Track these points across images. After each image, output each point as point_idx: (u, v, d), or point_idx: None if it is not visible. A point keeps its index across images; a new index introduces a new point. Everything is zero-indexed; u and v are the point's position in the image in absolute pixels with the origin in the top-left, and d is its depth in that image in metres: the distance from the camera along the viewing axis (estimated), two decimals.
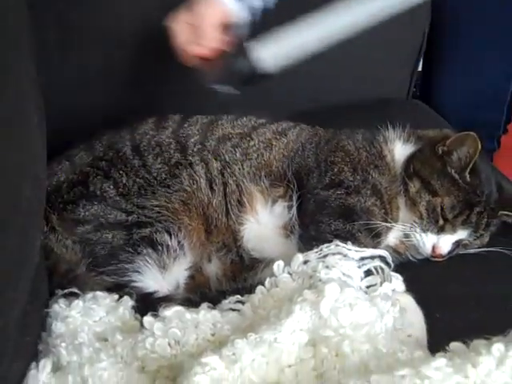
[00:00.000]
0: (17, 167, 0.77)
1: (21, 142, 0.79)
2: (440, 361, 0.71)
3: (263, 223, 1.09)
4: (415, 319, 0.87)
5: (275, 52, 1.10)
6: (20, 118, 0.80)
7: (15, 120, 0.78)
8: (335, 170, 1.08)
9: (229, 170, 1.10)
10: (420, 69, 1.73)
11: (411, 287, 0.91)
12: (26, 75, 0.85)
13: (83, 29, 1.29)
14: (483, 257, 1.05)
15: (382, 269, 0.91)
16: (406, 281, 0.91)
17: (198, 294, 1.03)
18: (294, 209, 1.07)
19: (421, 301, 0.89)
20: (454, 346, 0.75)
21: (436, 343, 0.75)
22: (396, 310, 0.85)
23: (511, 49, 1.60)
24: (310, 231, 1.04)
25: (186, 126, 1.15)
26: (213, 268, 1.08)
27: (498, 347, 0.70)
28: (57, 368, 0.83)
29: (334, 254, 0.92)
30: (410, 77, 1.65)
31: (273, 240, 1.09)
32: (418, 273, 1.03)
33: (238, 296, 0.91)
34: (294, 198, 1.08)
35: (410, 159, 1.10)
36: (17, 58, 0.82)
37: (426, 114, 1.58)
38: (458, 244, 1.07)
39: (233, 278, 1.07)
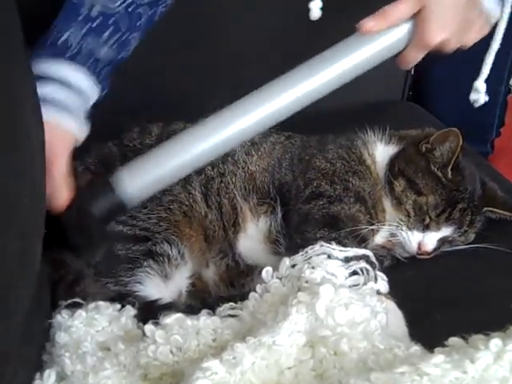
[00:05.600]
0: (14, 172, 0.71)
1: (19, 149, 0.73)
2: (439, 357, 0.65)
3: (251, 236, 1.04)
4: (395, 322, 0.82)
5: (141, 184, 0.91)
6: (18, 125, 0.74)
7: (10, 124, 0.71)
8: (314, 184, 1.03)
9: (222, 181, 1.04)
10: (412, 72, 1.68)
11: (409, 287, 0.87)
12: (27, 85, 0.78)
13: None
14: (480, 254, 1.00)
15: (367, 270, 0.86)
16: (403, 281, 0.87)
17: (199, 300, 0.98)
18: (277, 222, 1.02)
19: (419, 300, 0.85)
20: (453, 341, 0.70)
21: (435, 341, 0.71)
22: (382, 306, 0.81)
23: (503, 52, 1.56)
24: (295, 240, 0.99)
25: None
26: (210, 273, 1.02)
27: (495, 342, 0.65)
28: (61, 378, 0.78)
29: (318, 254, 0.87)
30: (404, 79, 1.57)
31: (262, 251, 1.04)
32: (416, 272, 0.98)
33: (232, 303, 0.86)
34: (278, 212, 1.02)
35: (395, 159, 1.05)
36: (8, 55, 0.74)
37: (421, 116, 1.51)
38: (443, 241, 1.02)
39: (230, 283, 1.02)
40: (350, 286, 0.84)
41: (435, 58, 1.53)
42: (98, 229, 0.90)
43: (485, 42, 1.48)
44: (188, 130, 0.95)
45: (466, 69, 1.45)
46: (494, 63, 1.55)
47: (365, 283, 0.84)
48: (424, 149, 1.03)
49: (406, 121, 1.14)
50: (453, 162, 1.01)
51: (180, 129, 1.08)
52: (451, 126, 1.03)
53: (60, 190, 0.88)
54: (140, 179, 0.92)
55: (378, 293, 0.84)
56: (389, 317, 0.81)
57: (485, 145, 1.74)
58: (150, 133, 1.09)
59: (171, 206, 1.01)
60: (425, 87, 1.65)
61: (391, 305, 0.84)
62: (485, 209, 1.03)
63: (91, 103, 0.94)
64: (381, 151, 1.08)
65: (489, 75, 1.56)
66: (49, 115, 0.85)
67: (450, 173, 1.01)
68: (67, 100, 0.89)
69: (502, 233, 1.03)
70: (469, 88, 1.54)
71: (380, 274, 0.86)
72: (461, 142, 0.99)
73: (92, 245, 0.90)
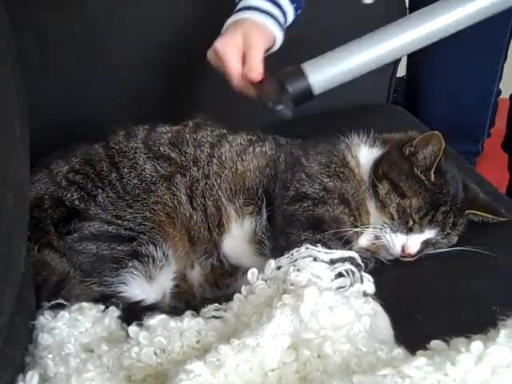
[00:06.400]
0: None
1: (3, 154, 0.74)
2: (421, 360, 0.66)
3: (236, 237, 1.04)
4: (382, 324, 0.82)
5: (327, 74, 1.01)
6: (2, 129, 0.75)
7: None
8: (296, 185, 1.03)
9: (207, 183, 1.04)
10: (404, 76, 1.67)
11: (393, 289, 0.87)
12: (10, 88, 0.79)
13: (64, 43, 1.24)
14: (463, 256, 1.00)
15: (352, 272, 0.86)
16: (387, 283, 0.87)
17: (183, 301, 0.97)
18: (262, 223, 1.02)
19: (402, 302, 0.85)
20: (435, 344, 0.70)
21: (417, 343, 0.71)
22: (369, 308, 0.81)
23: (495, 53, 1.56)
24: (280, 242, 0.98)
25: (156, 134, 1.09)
26: (195, 275, 1.02)
27: (476, 345, 0.66)
28: (44, 380, 0.78)
29: (304, 257, 0.87)
30: (388, 82, 1.57)
31: (247, 252, 1.03)
32: (399, 275, 0.99)
33: (217, 304, 0.86)
34: (263, 213, 1.02)
35: (379, 162, 1.05)
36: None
37: (405, 118, 1.51)
38: (426, 243, 1.02)
39: (215, 284, 1.01)
40: (336, 289, 0.84)
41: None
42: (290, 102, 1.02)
43: (476, 46, 1.48)
44: (367, 35, 1.03)
45: (459, 70, 1.45)
46: (486, 65, 1.55)
47: (351, 285, 0.84)
48: (407, 152, 1.04)
49: (390, 123, 1.14)
50: (435, 165, 1.01)
51: (165, 131, 1.09)
52: (446, 127, 1.04)
53: (255, 67, 1.02)
54: (324, 71, 1.02)
55: (365, 294, 0.84)
56: (376, 318, 0.81)
57: (476, 145, 1.76)
58: (135, 136, 1.08)
59: (155, 207, 1.00)
60: (418, 90, 1.65)
61: (378, 307, 0.84)
62: (467, 211, 1.04)
63: (289, 19, 1.11)
64: (365, 154, 1.08)
65: (481, 77, 1.55)
66: (250, 16, 1.05)
67: (432, 176, 1.02)
68: (268, 7, 1.07)
69: (484, 235, 1.03)
70: (462, 89, 1.53)
71: (366, 275, 0.87)
72: (443, 145, 1.00)
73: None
